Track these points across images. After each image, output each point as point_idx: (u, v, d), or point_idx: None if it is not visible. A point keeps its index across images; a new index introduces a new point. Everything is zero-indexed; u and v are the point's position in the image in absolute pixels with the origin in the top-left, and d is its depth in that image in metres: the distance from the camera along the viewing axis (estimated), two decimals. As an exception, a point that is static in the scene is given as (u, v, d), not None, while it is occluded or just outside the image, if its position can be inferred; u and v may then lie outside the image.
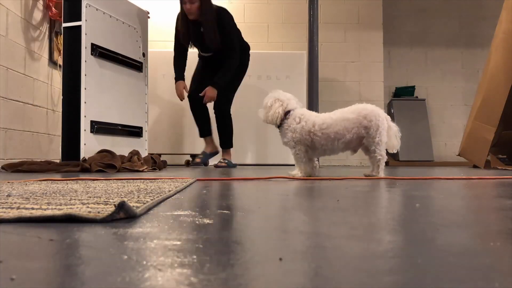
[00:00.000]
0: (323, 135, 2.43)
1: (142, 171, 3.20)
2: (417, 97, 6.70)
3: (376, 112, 2.41)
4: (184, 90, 4.48)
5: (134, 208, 0.87)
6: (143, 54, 4.46)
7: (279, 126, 2.62)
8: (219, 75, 4.34)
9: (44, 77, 4.43)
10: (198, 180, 2.07)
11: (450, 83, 7.01)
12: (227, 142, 4.64)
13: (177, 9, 5.98)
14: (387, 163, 5.77)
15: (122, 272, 0.47)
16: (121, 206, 0.83)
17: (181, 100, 4.53)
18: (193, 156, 5.10)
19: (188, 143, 5.43)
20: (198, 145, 5.08)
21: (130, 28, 4.25)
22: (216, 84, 4.33)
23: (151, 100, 5.38)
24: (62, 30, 3.61)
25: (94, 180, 2.00)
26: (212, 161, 4.83)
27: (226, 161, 4.56)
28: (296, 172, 2.51)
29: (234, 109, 5.40)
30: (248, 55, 4.62)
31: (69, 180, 1.99)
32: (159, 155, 4.23)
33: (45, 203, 1.01)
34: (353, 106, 2.51)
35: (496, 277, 0.46)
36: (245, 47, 4.60)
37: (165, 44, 5.94)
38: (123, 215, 0.83)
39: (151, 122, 5.38)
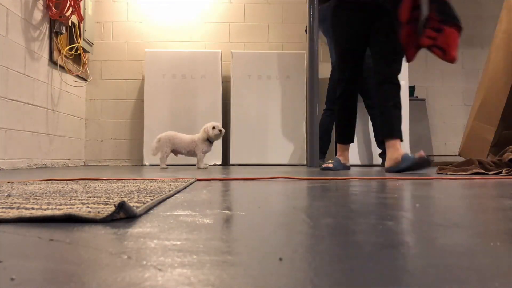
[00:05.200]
0: None
1: None
2: (417, 97, 6.69)
3: None
4: None
5: (134, 208, 0.87)
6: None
7: None
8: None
9: (44, 77, 4.43)
10: (198, 180, 2.07)
11: (450, 83, 7.01)
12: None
13: (176, 9, 6.00)
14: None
15: (122, 272, 0.47)
16: (121, 206, 0.83)
17: None
18: None
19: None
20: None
21: None
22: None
23: (150, 101, 5.38)
24: None
25: (94, 180, 2.00)
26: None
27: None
28: None
29: (236, 109, 5.41)
30: None
31: (69, 180, 1.99)
32: None
33: (45, 203, 1.01)
34: None
35: (496, 277, 0.46)
36: None
37: (165, 44, 5.94)
38: (123, 215, 0.83)
39: (157, 127, 5.39)
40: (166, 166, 4.10)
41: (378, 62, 3.38)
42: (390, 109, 3.27)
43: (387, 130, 3.29)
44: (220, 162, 5.38)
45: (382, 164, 4.35)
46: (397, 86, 3.32)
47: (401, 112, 3.34)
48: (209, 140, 4.03)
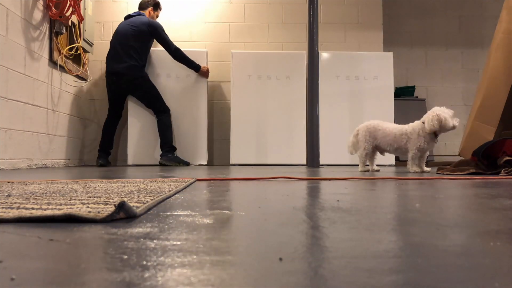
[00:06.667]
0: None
1: None
2: (417, 97, 6.70)
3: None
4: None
5: (134, 208, 0.88)
6: None
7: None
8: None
9: (44, 77, 4.43)
10: (198, 180, 2.07)
11: (450, 83, 7.01)
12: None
13: (176, 9, 6.00)
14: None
15: (122, 272, 0.47)
16: (121, 206, 0.83)
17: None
18: None
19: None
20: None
21: None
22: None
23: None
24: None
25: (94, 180, 2.00)
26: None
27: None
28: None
29: (236, 109, 5.41)
30: None
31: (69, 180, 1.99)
32: None
33: (45, 203, 1.01)
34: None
35: (496, 277, 0.46)
36: None
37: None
38: (123, 215, 0.83)
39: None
40: (367, 168, 3.37)
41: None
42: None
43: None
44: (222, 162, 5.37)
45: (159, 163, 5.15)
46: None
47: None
48: (435, 133, 3.20)
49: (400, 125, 3.31)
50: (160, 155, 5.00)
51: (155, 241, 0.64)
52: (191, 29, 6.00)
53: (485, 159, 2.90)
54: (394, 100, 6.61)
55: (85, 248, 0.61)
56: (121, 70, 4.91)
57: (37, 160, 4.27)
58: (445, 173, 2.89)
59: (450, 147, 6.85)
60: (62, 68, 4.85)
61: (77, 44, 4.94)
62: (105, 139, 5.11)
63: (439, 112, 3.16)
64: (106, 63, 5.06)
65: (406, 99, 6.54)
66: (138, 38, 4.96)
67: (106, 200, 1.07)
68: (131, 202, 0.99)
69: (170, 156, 4.95)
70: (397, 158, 5.89)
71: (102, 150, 5.09)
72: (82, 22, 5.04)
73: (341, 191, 1.53)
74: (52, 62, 4.58)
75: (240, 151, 5.38)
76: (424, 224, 0.81)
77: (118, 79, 4.93)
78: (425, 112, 3.39)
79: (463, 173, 2.81)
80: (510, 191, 1.54)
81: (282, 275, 0.47)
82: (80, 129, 5.66)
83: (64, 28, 4.72)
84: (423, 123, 3.22)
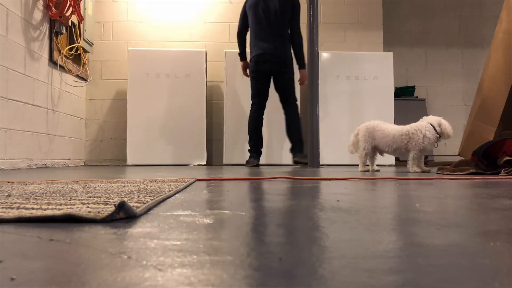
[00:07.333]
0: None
1: None
2: (417, 97, 6.69)
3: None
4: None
5: (134, 208, 0.88)
6: None
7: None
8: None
9: (44, 77, 4.43)
10: (198, 180, 2.07)
11: (450, 83, 7.01)
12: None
13: (177, 9, 6.00)
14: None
15: (122, 272, 0.47)
16: (121, 206, 0.83)
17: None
18: None
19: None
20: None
21: None
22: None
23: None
24: None
25: (94, 180, 2.00)
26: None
27: None
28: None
29: (234, 109, 5.41)
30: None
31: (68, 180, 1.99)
32: None
33: (45, 203, 1.01)
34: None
35: (496, 277, 0.46)
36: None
37: (165, 44, 5.94)
38: (123, 215, 0.83)
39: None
40: (367, 168, 3.37)
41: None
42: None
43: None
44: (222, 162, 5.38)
45: (295, 162, 4.70)
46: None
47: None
48: (438, 134, 3.25)
49: (400, 126, 3.32)
50: (294, 153, 4.67)
51: (155, 241, 0.64)
52: (191, 29, 6.00)
53: (485, 159, 2.90)
54: (394, 100, 6.61)
55: (85, 248, 0.61)
56: (272, 50, 4.59)
57: (37, 160, 4.27)
58: (445, 173, 2.89)
59: (450, 147, 6.85)
60: (62, 68, 4.85)
61: (77, 44, 4.94)
62: (256, 137, 4.69)
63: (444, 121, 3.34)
64: (251, 45, 4.71)
65: (406, 99, 6.54)
66: (283, 17, 4.66)
67: (106, 200, 1.07)
68: (131, 202, 0.99)
69: (304, 153, 4.62)
70: (397, 158, 5.89)
71: (255, 151, 4.69)
72: (82, 22, 5.04)
73: (341, 191, 1.53)
74: (52, 62, 4.58)
75: (237, 151, 5.37)
76: (424, 224, 0.81)
77: (271, 58, 4.60)
78: (425, 112, 3.43)
79: (463, 173, 2.81)
80: (510, 191, 1.54)
81: (283, 274, 0.47)
82: (80, 129, 5.66)
83: (64, 28, 4.72)
84: (431, 124, 3.26)
